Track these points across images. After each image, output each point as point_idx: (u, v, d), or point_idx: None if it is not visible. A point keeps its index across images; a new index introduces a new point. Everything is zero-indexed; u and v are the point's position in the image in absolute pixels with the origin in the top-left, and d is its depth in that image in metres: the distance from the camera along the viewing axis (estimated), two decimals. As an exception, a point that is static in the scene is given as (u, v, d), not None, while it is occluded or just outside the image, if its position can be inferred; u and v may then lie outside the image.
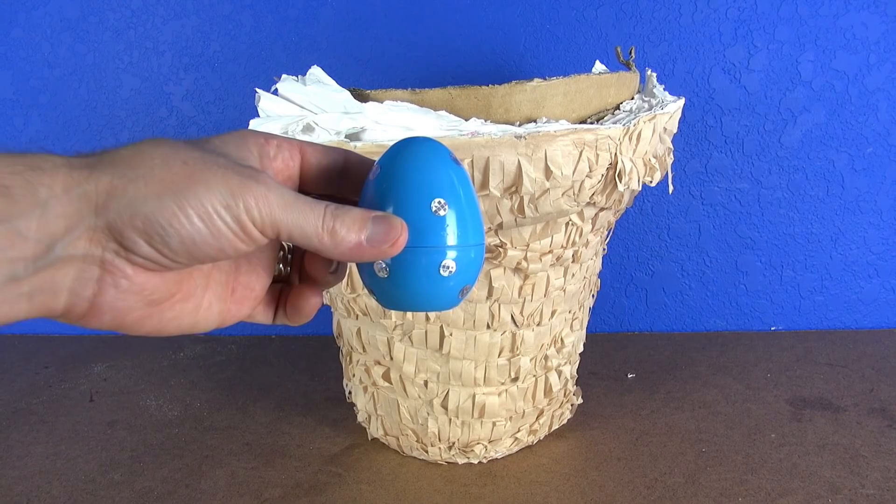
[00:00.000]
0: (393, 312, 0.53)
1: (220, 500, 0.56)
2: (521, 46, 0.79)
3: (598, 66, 0.64)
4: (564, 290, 0.55)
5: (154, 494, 0.57)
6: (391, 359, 0.56)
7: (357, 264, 0.28)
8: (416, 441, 0.59)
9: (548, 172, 0.45)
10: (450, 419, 0.57)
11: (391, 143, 0.29)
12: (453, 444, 0.58)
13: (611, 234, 0.61)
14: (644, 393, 0.70)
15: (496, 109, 0.48)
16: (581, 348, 0.62)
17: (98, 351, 0.87)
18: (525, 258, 0.50)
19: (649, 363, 0.77)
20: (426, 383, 0.56)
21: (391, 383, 0.57)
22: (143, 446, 0.64)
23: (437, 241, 0.27)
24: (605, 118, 0.51)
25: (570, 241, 0.52)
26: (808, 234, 0.82)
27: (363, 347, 0.57)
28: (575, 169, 0.46)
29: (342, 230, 0.25)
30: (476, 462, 0.59)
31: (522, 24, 0.78)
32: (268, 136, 0.28)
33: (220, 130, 0.94)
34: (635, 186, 0.48)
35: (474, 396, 0.56)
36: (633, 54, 0.60)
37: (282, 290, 0.31)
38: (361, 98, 0.51)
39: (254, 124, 0.49)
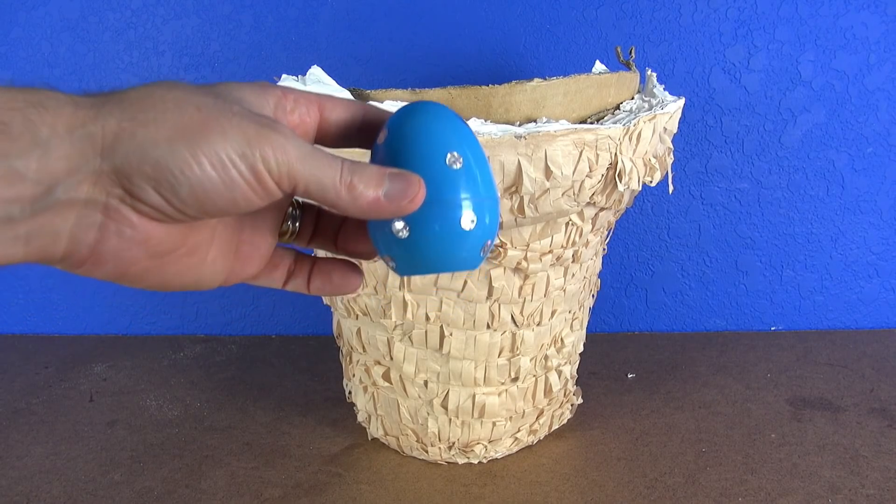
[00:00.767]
0: (393, 312, 0.53)
1: (220, 500, 0.56)
2: (521, 46, 0.79)
3: (598, 66, 0.64)
4: (564, 290, 0.55)
5: (154, 494, 0.57)
6: (391, 359, 0.56)
7: (372, 231, 0.27)
8: (416, 441, 0.59)
9: (548, 172, 0.45)
10: (450, 419, 0.57)
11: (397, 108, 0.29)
12: (453, 444, 0.58)
13: (611, 234, 0.61)
14: (644, 393, 0.70)
15: (496, 109, 0.48)
16: (581, 348, 0.62)
17: (98, 351, 0.87)
18: (525, 258, 0.50)
19: (649, 363, 0.77)
20: (426, 383, 0.56)
21: (391, 383, 0.57)
22: (143, 446, 0.64)
23: (456, 194, 0.26)
24: (605, 118, 0.51)
25: (570, 241, 0.52)
26: (808, 234, 0.82)
27: (363, 347, 0.57)
28: (575, 169, 0.46)
29: (360, 185, 0.24)
30: (476, 462, 0.59)
31: (522, 24, 0.78)
32: (286, 90, 0.27)
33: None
34: (635, 186, 0.48)
35: (474, 396, 0.56)
36: (633, 54, 0.60)
37: (314, 263, 0.30)
38: (361, 98, 0.51)
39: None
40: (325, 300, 0.61)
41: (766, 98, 0.78)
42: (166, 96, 0.23)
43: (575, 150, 0.45)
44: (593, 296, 0.63)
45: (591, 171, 0.46)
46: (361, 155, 0.29)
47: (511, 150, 0.44)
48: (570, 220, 0.50)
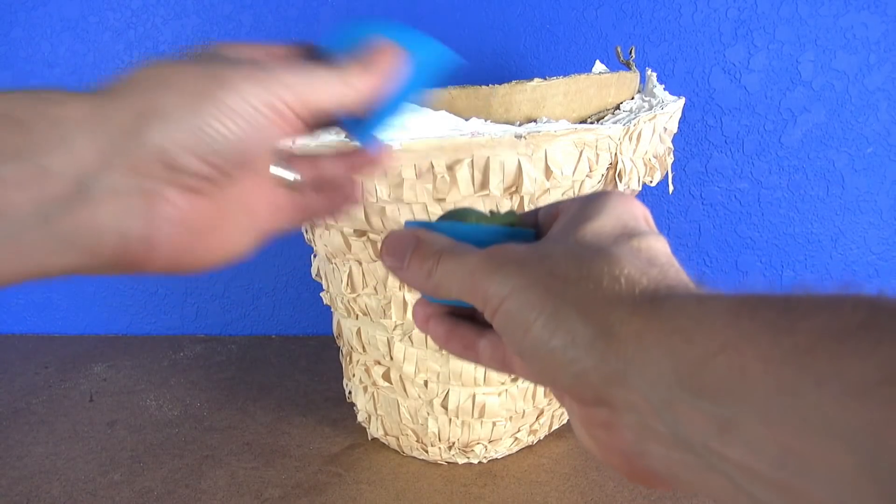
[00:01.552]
0: (393, 312, 0.53)
1: (220, 500, 0.56)
2: (521, 46, 0.79)
3: (598, 66, 0.64)
4: (564, 290, 0.55)
5: (154, 494, 0.57)
6: (391, 359, 0.56)
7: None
8: (416, 441, 0.59)
9: (548, 172, 0.45)
10: (450, 419, 0.57)
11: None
12: (453, 444, 0.58)
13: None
14: (644, 393, 0.70)
15: (496, 109, 0.48)
16: (581, 348, 0.62)
17: (98, 351, 0.87)
18: (525, 258, 0.50)
19: (649, 363, 0.77)
20: (426, 383, 0.56)
21: (391, 383, 0.57)
22: (143, 446, 0.64)
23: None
24: (606, 118, 0.51)
25: (570, 241, 0.52)
26: (808, 234, 0.82)
27: (363, 347, 0.57)
28: (575, 169, 0.46)
29: (355, 79, 0.26)
30: (476, 462, 0.59)
31: (522, 24, 0.78)
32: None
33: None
34: (635, 186, 0.48)
35: (474, 396, 0.56)
36: (633, 54, 0.60)
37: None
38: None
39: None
40: (325, 300, 0.61)
41: (766, 98, 0.77)
42: (171, 69, 0.23)
43: (575, 150, 0.45)
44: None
45: (591, 170, 0.46)
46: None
47: (511, 150, 0.44)
48: (570, 220, 0.50)
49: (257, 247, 0.29)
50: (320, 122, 0.27)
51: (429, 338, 0.54)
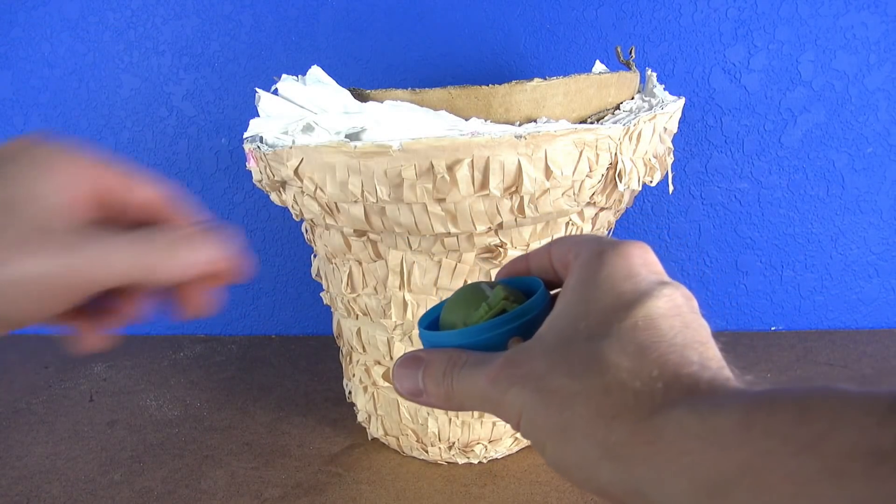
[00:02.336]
0: (393, 312, 0.53)
1: (220, 500, 0.56)
2: (521, 46, 0.79)
3: (598, 66, 0.64)
4: (564, 290, 0.55)
5: (154, 494, 0.57)
6: (391, 359, 0.56)
7: None
8: (416, 441, 0.59)
9: (548, 172, 0.45)
10: (450, 419, 0.57)
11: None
12: (453, 443, 0.58)
13: (611, 234, 0.61)
14: (644, 393, 0.70)
15: (496, 109, 0.48)
16: (581, 348, 0.62)
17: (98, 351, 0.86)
18: (525, 258, 0.50)
19: (649, 363, 0.77)
20: (426, 383, 0.56)
21: (391, 383, 0.57)
22: (143, 446, 0.64)
23: None
24: (606, 118, 0.51)
25: (570, 241, 0.52)
26: (808, 234, 0.82)
27: (363, 347, 0.57)
28: (575, 169, 0.46)
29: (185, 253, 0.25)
30: (476, 462, 0.59)
31: (522, 24, 0.78)
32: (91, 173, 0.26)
33: (220, 131, 0.94)
34: (635, 186, 0.48)
35: (474, 396, 0.56)
36: (633, 54, 0.60)
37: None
38: (361, 98, 0.51)
39: (254, 124, 0.49)
40: (325, 300, 0.61)
41: (766, 98, 0.77)
42: None
43: (575, 150, 0.45)
44: (593, 296, 0.63)
45: (591, 171, 0.46)
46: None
47: (511, 150, 0.44)
48: (570, 220, 0.50)
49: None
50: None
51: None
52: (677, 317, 0.22)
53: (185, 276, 0.25)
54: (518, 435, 0.59)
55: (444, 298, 0.52)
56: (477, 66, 0.79)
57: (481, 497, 0.55)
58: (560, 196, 0.46)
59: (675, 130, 0.54)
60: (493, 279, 0.30)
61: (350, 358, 0.61)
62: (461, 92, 0.48)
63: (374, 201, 0.45)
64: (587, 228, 0.52)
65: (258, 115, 0.50)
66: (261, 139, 0.48)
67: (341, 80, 0.52)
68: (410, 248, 0.50)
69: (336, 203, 0.47)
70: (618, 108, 0.53)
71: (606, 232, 0.59)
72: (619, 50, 0.61)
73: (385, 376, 0.57)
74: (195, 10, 0.81)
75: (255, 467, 0.60)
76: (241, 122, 0.84)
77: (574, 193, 0.47)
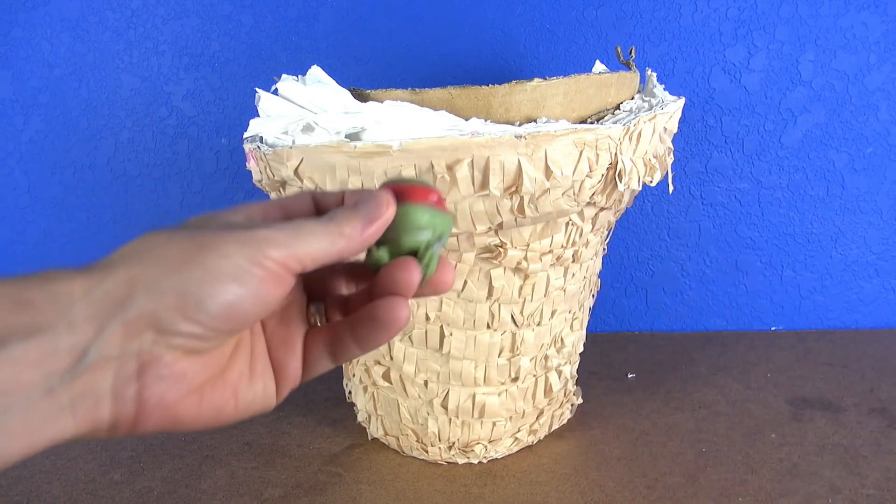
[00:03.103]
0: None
1: (220, 500, 0.56)
2: (521, 46, 0.79)
3: (598, 66, 0.64)
4: (564, 290, 0.55)
5: (154, 494, 0.57)
6: (391, 359, 0.56)
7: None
8: (416, 441, 0.59)
9: (548, 172, 0.45)
10: (450, 419, 0.57)
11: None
12: (453, 444, 0.58)
13: (611, 234, 0.61)
14: (644, 393, 0.70)
15: (496, 109, 0.48)
16: (581, 348, 0.62)
17: (98, 351, 0.86)
18: (525, 258, 0.50)
19: (649, 363, 0.77)
20: (426, 383, 0.56)
21: (391, 383, 0.57)
22: (143, 446, 0.64)
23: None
24: (606, 118, 0.51)
25: (570, 241, 0.52)
26: (808, 234, 0.82)
27: (363, 347, 0.57)
28: (575, 169, 0.46)
29: (346, 228, 0.26)
30: (476, 462, 0.59)
31: (522, 24, 0.78)
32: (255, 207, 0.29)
33: (220, 130, 0.94)
34: (635, 186, 0.48)
35: (474, 396, 0.56)
36: (633, 54, 0.60)
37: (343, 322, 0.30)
38: (361, 98, 0.51)
39: (254, 124, 0.49)
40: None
41: (766, 98, 0.78)
42: (159, 239, 0.24)
43: (575, 150, 0.45)
44: (593, 296, 0.63)
45: (591, 171, 0.46)
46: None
47: (511, 150, 0.44)
48: (570, 220, 0.50)
49: (285, 394, 0.30)
50: (319, 270, 0.27)
51: (429, 338, 0.54)
52: None
53: (360, 242, 0.26)
54: (518, 435, 0.59)
55: (443, 299, 0.53)
56: (477, 66, 0.80)
57: (481, 497, 0.55)
58: (560, 196, 0.46)
59: (675, 130, 0.54)
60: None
61: (350, 358, 0.61)
62: (461, 92, 0.48)
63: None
64: (587, 228, 0.52)
65: (258, 115, 0.50)
66: (261, 139, 0.48)
67: (341, 80, 0.52)
68: (410, 248, 0.50)
69: (336, 203, 0.47)
70: (618, 108, 0.53)
71: (607, 232, 0.59)
72: (619, 50, 0.61)
73: (385, 376, 0.57)
74: (195, 10, 0.81)
75: (255, 467, 0.60)
76: (241, 122, 0.84)
77: (574, 193, 0.47)
